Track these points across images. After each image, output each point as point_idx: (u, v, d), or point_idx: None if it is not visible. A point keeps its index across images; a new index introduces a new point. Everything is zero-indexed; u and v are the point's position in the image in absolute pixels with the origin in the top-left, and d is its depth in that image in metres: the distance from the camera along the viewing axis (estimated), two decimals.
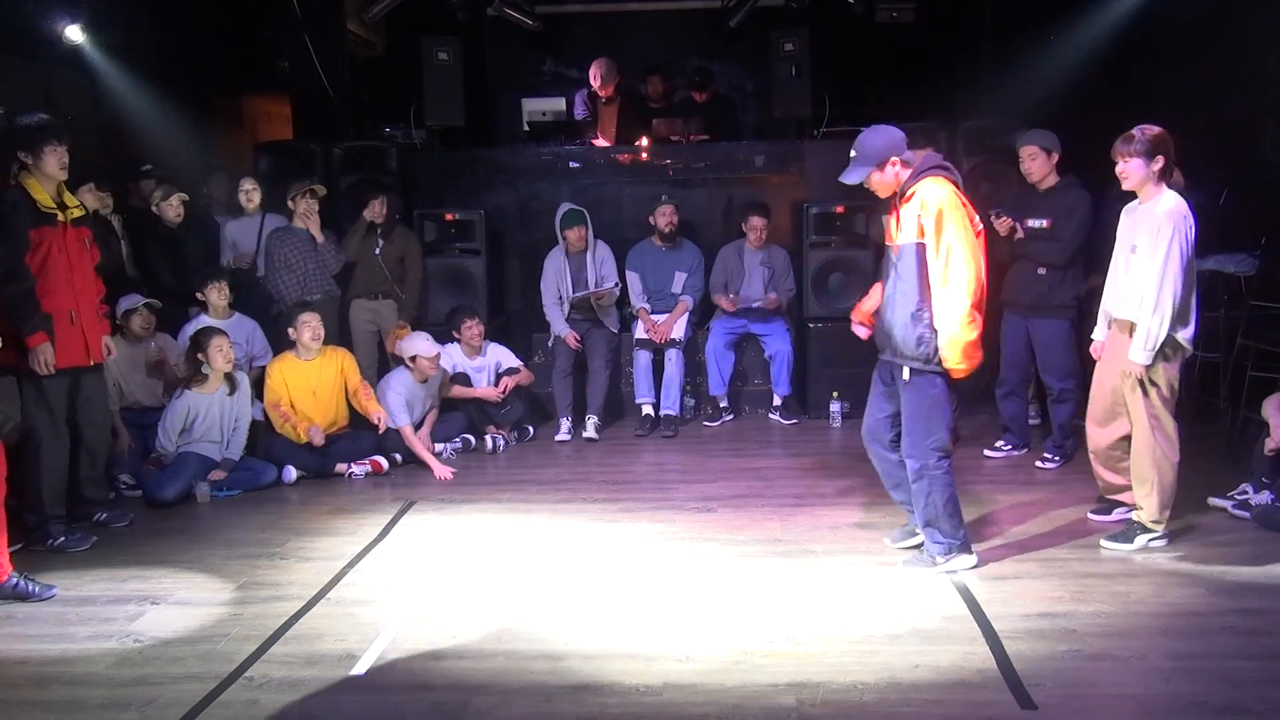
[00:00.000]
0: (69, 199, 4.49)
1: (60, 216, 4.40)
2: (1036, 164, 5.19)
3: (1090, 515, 4.51)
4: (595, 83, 7.98)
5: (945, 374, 3.77)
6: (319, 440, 5.55)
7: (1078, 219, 5.14)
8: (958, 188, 3.73)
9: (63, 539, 4.46)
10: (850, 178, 3.81)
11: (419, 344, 5.92)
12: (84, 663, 3.38)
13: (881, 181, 3.78)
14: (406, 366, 5.91)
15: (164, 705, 3.08)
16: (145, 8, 7.20)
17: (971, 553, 3.96)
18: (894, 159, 3.74)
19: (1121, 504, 4.42)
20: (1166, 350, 3.98)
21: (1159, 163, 3.97)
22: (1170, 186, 4.06)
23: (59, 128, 4.38)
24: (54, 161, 4.34)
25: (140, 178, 6.51)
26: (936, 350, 3.72)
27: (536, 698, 3.06)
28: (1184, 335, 4.00)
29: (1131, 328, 4.04)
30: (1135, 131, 4.01)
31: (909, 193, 3.73)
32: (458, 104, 7.35)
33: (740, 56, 9.04)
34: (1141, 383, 4.02)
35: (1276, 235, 5.43)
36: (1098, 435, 4.36)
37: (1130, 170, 4.01)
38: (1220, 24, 6.21)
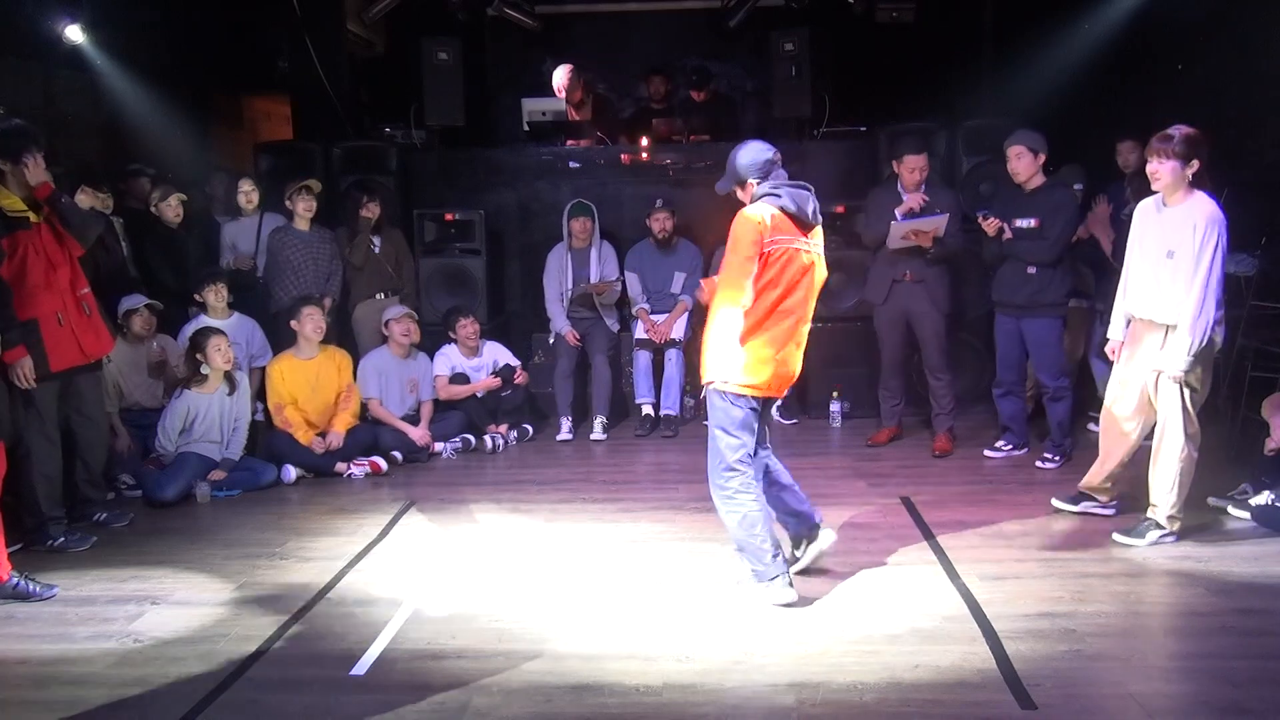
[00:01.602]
0: None
1: (33, 217, 4.29)
2: (1023, 163, 5.16)
3: (1054, 501, 4.57)
4: (560, 94, 7.62)
5: (735, 396, 3.55)
6: (321, 448, 5.58)
7: (1064, 217, 5.17)
8: (787, 215, 3.53)
9: (62, 539, 4.45)
10: (720, 187, 3.74)
11: (390, 309, 6.10)
12: (84, 663, 3.37)
13: (743, 198, 3.68)
14: (384, 338, 6.09)
15: (164, 705, 3.08)
16: (145, 8, 7.21)
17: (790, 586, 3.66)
18: (751, 181, 3.63)
19: (1092, 499, 4.47)
20: (1204, 353, 3.97)
21: (1194, 166, 3.87)
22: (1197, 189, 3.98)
23: (37, 134, 4.31)
24: (24, 169, 4.22)
25: (130, 176, 6.51)
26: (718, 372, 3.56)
27: (536, 698, 3.06)
28: (1219, 334, 3.99)
29: (1167, 331, 4.01)
30: (1173, 131, 3.88)
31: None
32: (458, 104, 7.35)
33: (740, 56, 9.04)
34: (1181, 384, 4.00)
35: (1276, 235, 5.44)
36: (1121, 433, 4.32)
37: (1164, 172, 3.89)
38: (1220, 24, 6.21)
